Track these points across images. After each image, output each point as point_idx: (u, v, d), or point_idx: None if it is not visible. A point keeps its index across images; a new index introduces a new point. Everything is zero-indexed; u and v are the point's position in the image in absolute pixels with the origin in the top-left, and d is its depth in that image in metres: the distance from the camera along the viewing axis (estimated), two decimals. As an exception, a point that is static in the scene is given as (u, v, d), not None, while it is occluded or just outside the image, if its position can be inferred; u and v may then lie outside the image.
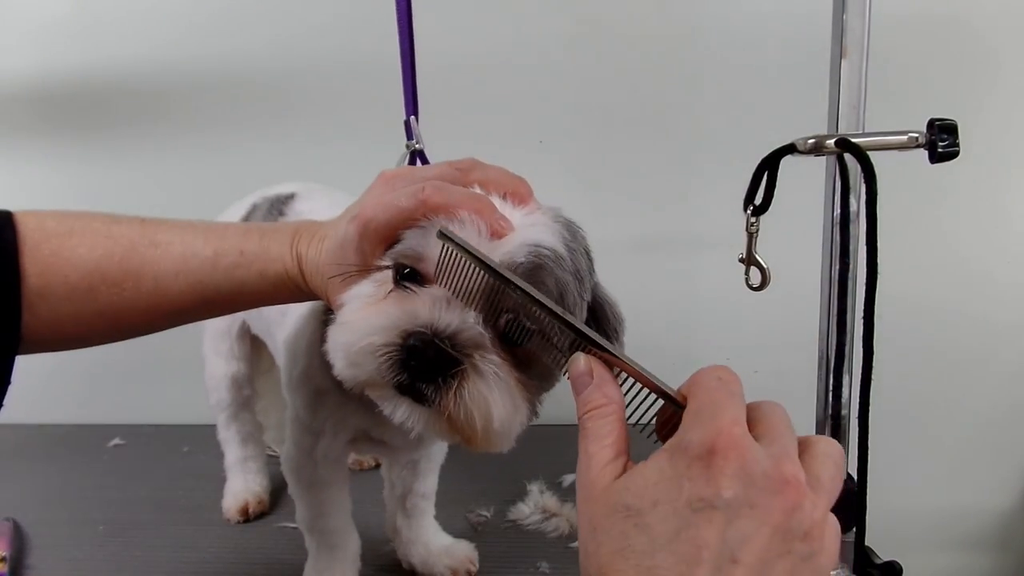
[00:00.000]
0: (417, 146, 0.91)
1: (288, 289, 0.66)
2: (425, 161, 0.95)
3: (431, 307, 0.55)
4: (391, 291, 0.58)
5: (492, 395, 0.55)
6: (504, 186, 0.62)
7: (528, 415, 0.59)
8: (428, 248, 0.57)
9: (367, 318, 0.57)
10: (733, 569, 0.40)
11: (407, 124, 0.90)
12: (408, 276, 0.58)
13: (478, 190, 0.61)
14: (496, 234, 0.57)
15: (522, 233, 0.57)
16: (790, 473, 0.43)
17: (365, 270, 0.60)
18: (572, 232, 0.62)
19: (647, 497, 0.42)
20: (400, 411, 0.57)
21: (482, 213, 0.57)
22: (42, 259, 0.63)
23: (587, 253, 0.63)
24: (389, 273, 0.59)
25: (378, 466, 1.22)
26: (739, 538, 0.40)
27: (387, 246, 0.60)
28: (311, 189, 1.01)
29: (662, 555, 0.41)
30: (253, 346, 1.12)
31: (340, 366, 0.57)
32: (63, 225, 0.65)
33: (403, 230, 0.58)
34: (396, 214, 0.58)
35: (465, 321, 0.55)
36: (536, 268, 0.56)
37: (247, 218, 1.04)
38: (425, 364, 0.54)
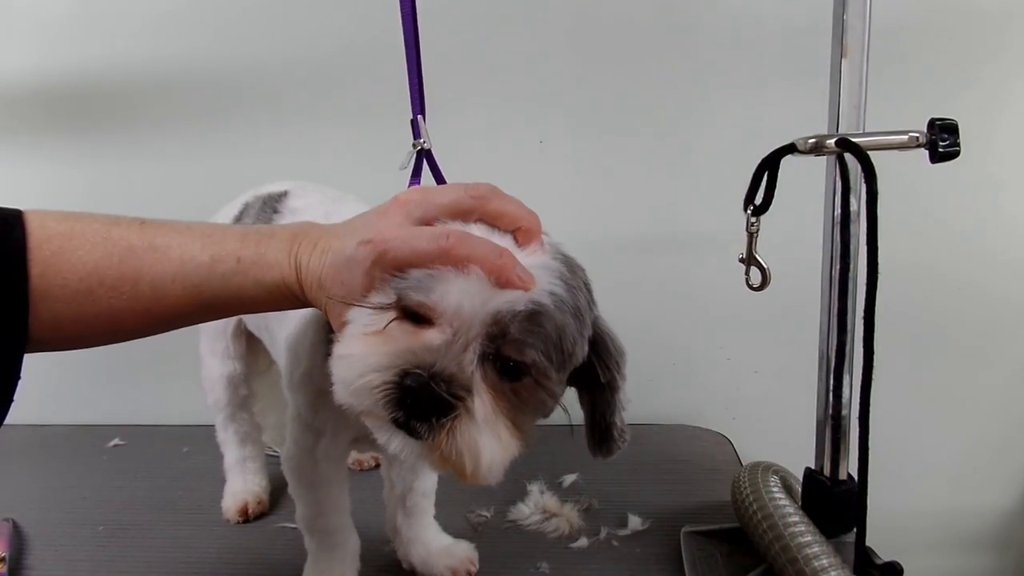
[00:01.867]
0: (424, 145, 0.91)
1: (284, 297, 0.66)
2: (432, 160, 0.94)
3: (429, 349, 0.57)
4: (392, 321, 0.59)
5: (483, 439, 0.58)
6: (518, 221, 0.63)
7: (519, 450, 0.61)
8: (435, 299, 0.58)
9: (367, 356, 0.59)
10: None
11: (414, 123, 0.90)
12: (411, 315, 0.60)
13: (477, 228, 0.63)
14: (511, 285, 0.58)
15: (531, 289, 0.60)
16: None
17: (368, 300, 0.61)
18: (572, 269, 0.63)
19: None
20: (395, 443, 0.59)
21: (505, 270, 0.58)
22: (43, 259, 0.63)
23: (587, 288, 0.64)
24: (396, 323, 0.60)
25: (378, 466, 1.22)
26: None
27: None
28: (303, 186, 1.01)
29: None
30: (249, 345, 1.12)
31: (340, 395, 0.60)
32: (64, 225, 0.65)
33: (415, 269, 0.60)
34: (415, 255, 0.59)
35: (461, 365, 0.57)
36: (535, 314, 0.58)
37: (239, 217, 1.03)
38: (420, 405, 0.56)
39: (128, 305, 0.64)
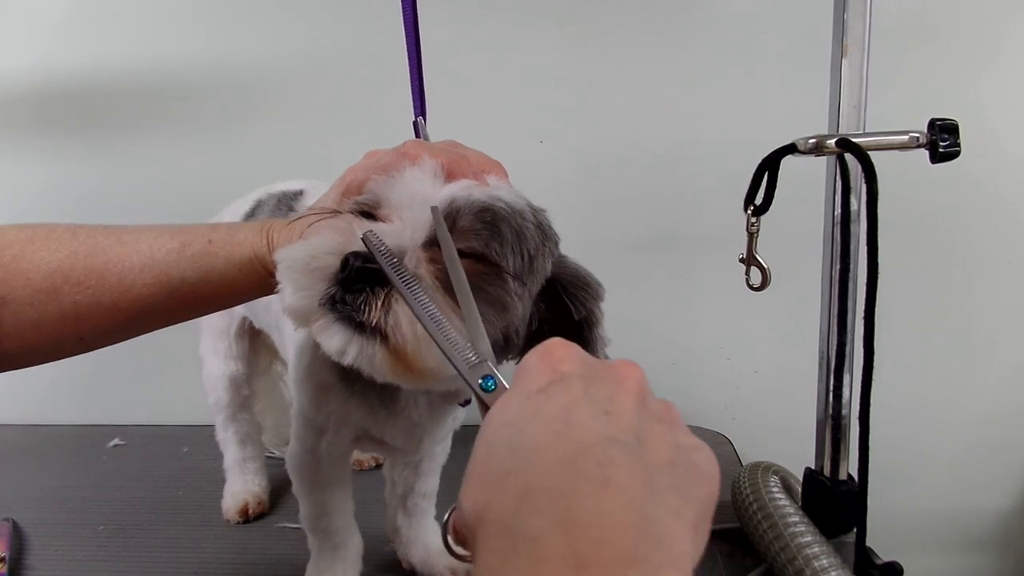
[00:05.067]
0: None
1: (257, 274, 0.65)
2: None
3: (374, 232, 0.56)
4: (344, 219, 0.59)
5: None
6: (483, 166, 0.64)
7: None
8: (388, 194, 0.58)
9: (311, 241, 0.58)
10: (609, 420, 0.37)
11: (415, 125, 0.90)
12: (366, 216, 0.60)
13: None
14: (462, 174, 0.60)
15: (488, 188, 0.60)
16: (625, 362, 0.42)
17: (322, 215, 0.61)
18: (538, 211, 0.63)
19: (505, 417, 0.39)
20: (336, 339, 0.55)
21: (457, 162, 0.60)
22: (3, 265, 0.62)
23: (553, 230, 0.64)
24: (348, 216, 0.60)
25: (378, 466, 1.22)
26: (604, 395, 0.38)
27: None
28: (317, 186, 1.01)
29: (529, 432, 0.37)
30: (252, 345, 1.12)
31: (288, 293, 0.57)
32: (24, 232, 0.65)
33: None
34: (377, 169, 0.61)
35: (402, 242, 0.56)
36: (488, 210, 0.57)
37: (252, 213, 1.03)
38: (354, 274, 0.54)
39: (94, 300, 0.64)
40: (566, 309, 0.63)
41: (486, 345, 0.47)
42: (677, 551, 0.33)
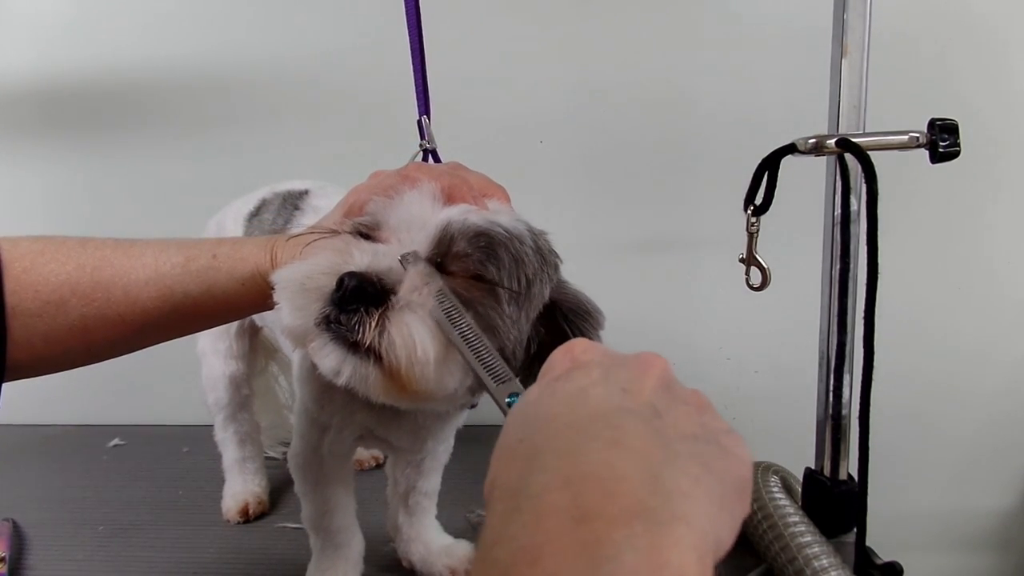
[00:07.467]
0: (430, 145, 0.91)
1: (259, 288, 0.66)
2: (438, 161, 0.95)
3: (367, 254, 0.56)
4: (343, 239, 0.60)
5: (416, 326, 0.54)
6: (484, 190, 0.64)
7: (464, 369, 0.56)
8: (387, 216, 0.59)
9: (308, 261, 0.58)
10: (625, 395, 0.37)
11: (420, 124, 0.90)
12: (365, 237, 0.60)
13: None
14: (461, 198, 0.60)
15: (487, 212, 0.61)
16: (649, 353, 0.41)
17: (322, 234, 0.62)
18: (538, 235, 0.63)
19: (525, 400, 0.41)
20: (330, 360, 0.56)
21: (457, 187, 0.60)
22: (14, 277, 0.63)
23: (554, 254, 0.64)
24: (347, 236, 0.61)
25: (379, 466, 1.22)
26: (624, 378, 0.38)
27: None
28: (323, 187, 1.01)
29: (544, 406, 0.38)
30: (251, 345, 1.12)
31: (286, 312, 0.57)
32: (36, 244, 0.66)
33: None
34: (379, 191, 0.62)
35: (400, 265, 0.56)
36: (485, 234, 0.58)
37: (257, 212, 1.03)
38: (349, 294, 0.54)
39: (100, 312, 0.65)
40: (565, 333, 0.63)
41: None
42: (690, 508, 0.32)
